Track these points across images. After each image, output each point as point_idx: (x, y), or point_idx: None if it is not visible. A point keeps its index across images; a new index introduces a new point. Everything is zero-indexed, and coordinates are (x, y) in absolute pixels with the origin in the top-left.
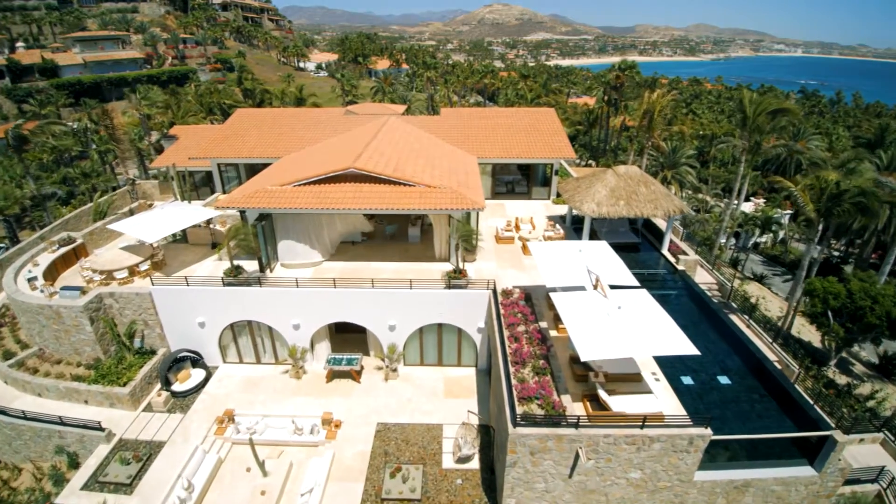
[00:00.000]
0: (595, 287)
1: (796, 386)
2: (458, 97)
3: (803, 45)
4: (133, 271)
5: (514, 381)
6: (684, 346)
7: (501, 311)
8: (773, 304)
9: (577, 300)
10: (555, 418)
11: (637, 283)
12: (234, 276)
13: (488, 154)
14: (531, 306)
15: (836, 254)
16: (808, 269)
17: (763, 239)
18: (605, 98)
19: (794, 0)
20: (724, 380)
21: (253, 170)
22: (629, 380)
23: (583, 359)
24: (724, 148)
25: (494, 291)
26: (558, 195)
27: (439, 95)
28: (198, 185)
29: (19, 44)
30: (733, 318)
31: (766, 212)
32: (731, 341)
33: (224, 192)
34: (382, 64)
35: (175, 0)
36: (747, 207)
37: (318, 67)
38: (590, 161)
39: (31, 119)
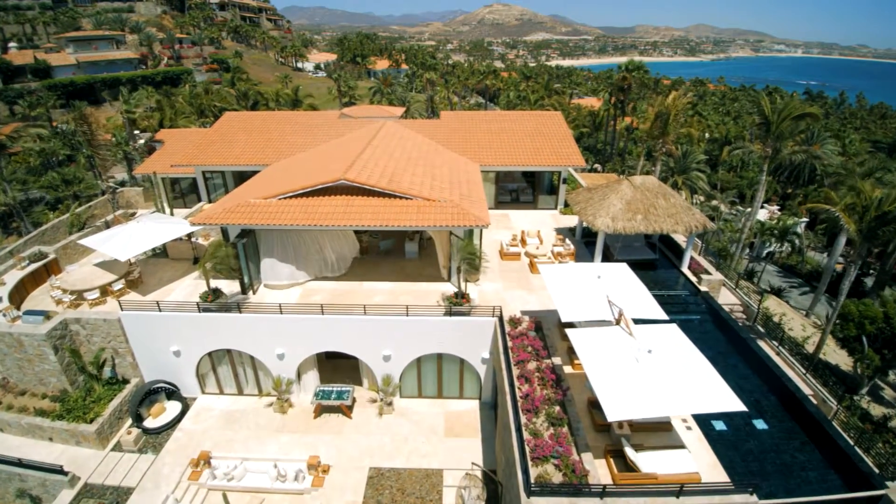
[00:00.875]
0: (618, 322)
1: (838, 428)
2: (458, 98)
3: (803, 46)
4: (106, 291)
5: (525, 435)
6: (729, 402)
7: (509, 344)
8: (794, 321)
9: (598, 340)
10: (576, 486)
11: (665, 317)
12: (212, 301)
13: (491, 161)
14: (542, 337)
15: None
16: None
17: (778, 248)
18: (612, 100)
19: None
20: (760, 424)
21: (241, 177)
22: (658, 429)
23: (610, 419)
24: (739, 153)
25: (501, 319)
26: (566, 205)
27: (439, 97)
28: (185, 192)
29: (12, 44)
30: (761, 343)
31: (784, 220)
32: (763, 375)
33: (210, 201)
34: (382, 64)
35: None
36: (761, 215)
37: (317, 68)
38: (595, 165)
39: (21, 121)
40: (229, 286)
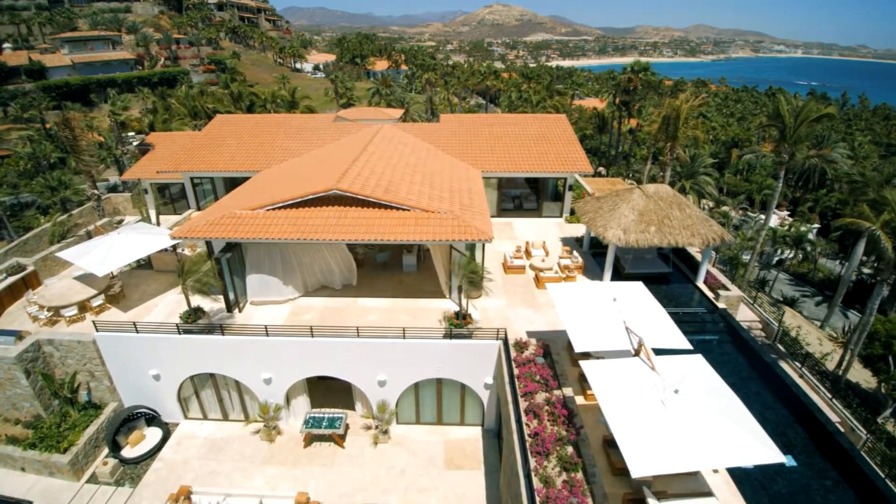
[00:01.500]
0: (637, 353)
1: (872, 464)
2: (458, 99)
3: (803, 46)
4: (85, 307)
5: (536, 483)
6: (767, 453)
7: (515, 373)
8: (810, 335)
9: (616, 374)
10: None
11: (688, 346)
12: (193, 322)
13: (494, 167)
14: (551, 363)
15: (865, 271)
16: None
17: (790, 256)
18: (616, 101)
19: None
20: (789, 460)
21: (232, 183)
22: (683, 474)
23: (634, 475)
24: (750, 157)
25: (506, 342)
26: (572, 212)
27: (439, 98)
28: (174, 198)
29: (6, 45)
30: (783, 364)
31: (796, 227)
32: (789, 403)
33: (199, 208)
34: (381, 65)
35: (169, 0)
36: (772, 221)
37: (316, 69)
38: (599, 168)
39: (13, 123)
40: (215, 302)
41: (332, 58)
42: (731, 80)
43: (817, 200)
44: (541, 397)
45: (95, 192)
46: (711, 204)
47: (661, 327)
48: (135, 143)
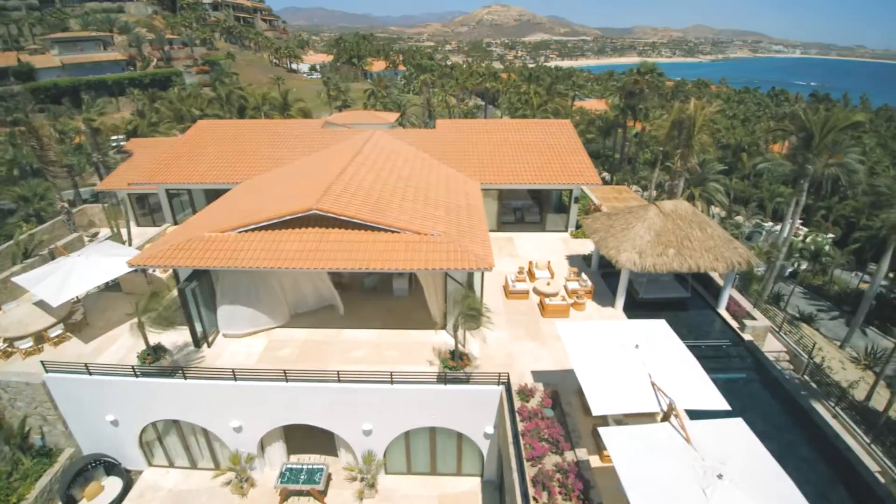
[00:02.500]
0: (667, 417)
1: None
2: (456, 100)
3: (801, 46)
4: (43, 338)
5: None
6: None
7: (520, 429)
8: (833, 360)
9: (644, 447)
10: None
11: (726, 406)
12: (151, 363)
13: (493, 178)
14: (561, 415)
15: (882, 283)
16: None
17: (804, 267)
18: (622, 104)
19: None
20: None
21: (213, 194)
22: None
23: None
24: (766, 165)
25: (508, 388)
26: (578, 226)
27: (437, 99)
28: (154, 208)
29: None
30: (816, 404)
31: (814, 238)
32: (828, 455)
33: (175, 222)
34: (378, 65)
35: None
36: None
37: (312, 69)
38: (603, 174)
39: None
40: (181, 334)
41: (329, 58)
42: (731, 81)
43: (830, 208)
44: (550, 462)
45: (65, 204)
46: (723, 213)
47: (692, 381)
48: (112, 150)
